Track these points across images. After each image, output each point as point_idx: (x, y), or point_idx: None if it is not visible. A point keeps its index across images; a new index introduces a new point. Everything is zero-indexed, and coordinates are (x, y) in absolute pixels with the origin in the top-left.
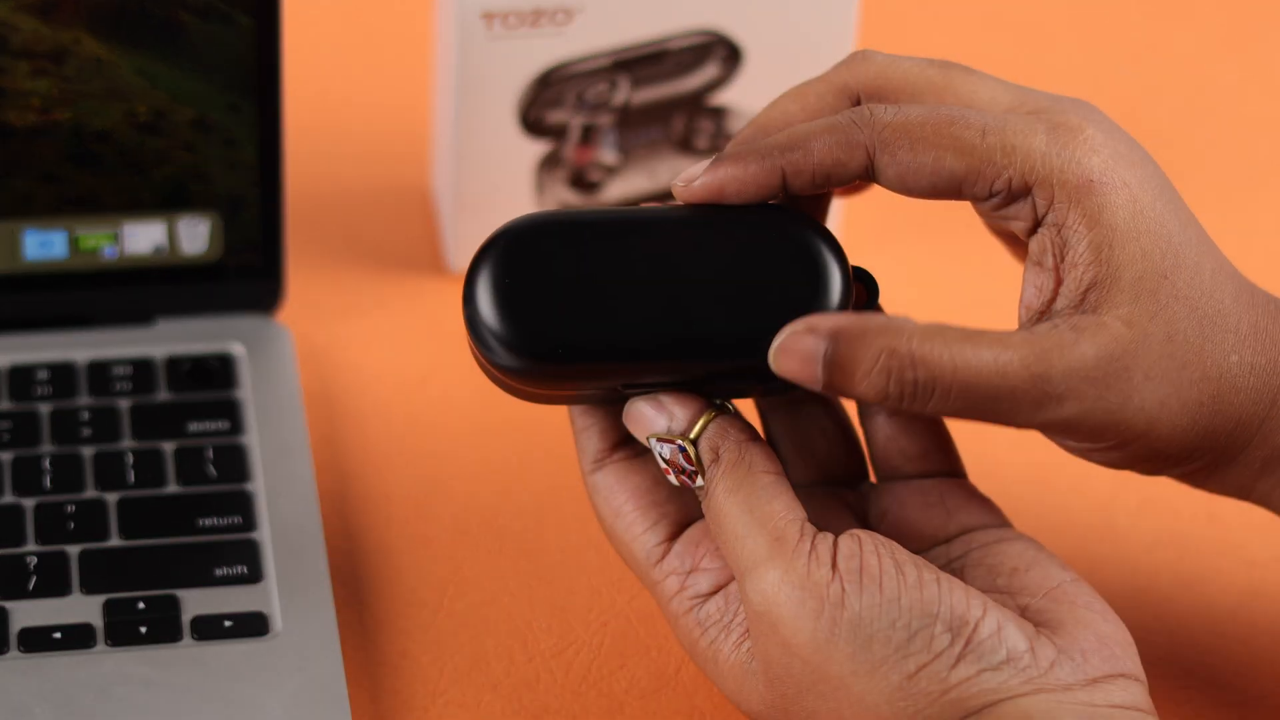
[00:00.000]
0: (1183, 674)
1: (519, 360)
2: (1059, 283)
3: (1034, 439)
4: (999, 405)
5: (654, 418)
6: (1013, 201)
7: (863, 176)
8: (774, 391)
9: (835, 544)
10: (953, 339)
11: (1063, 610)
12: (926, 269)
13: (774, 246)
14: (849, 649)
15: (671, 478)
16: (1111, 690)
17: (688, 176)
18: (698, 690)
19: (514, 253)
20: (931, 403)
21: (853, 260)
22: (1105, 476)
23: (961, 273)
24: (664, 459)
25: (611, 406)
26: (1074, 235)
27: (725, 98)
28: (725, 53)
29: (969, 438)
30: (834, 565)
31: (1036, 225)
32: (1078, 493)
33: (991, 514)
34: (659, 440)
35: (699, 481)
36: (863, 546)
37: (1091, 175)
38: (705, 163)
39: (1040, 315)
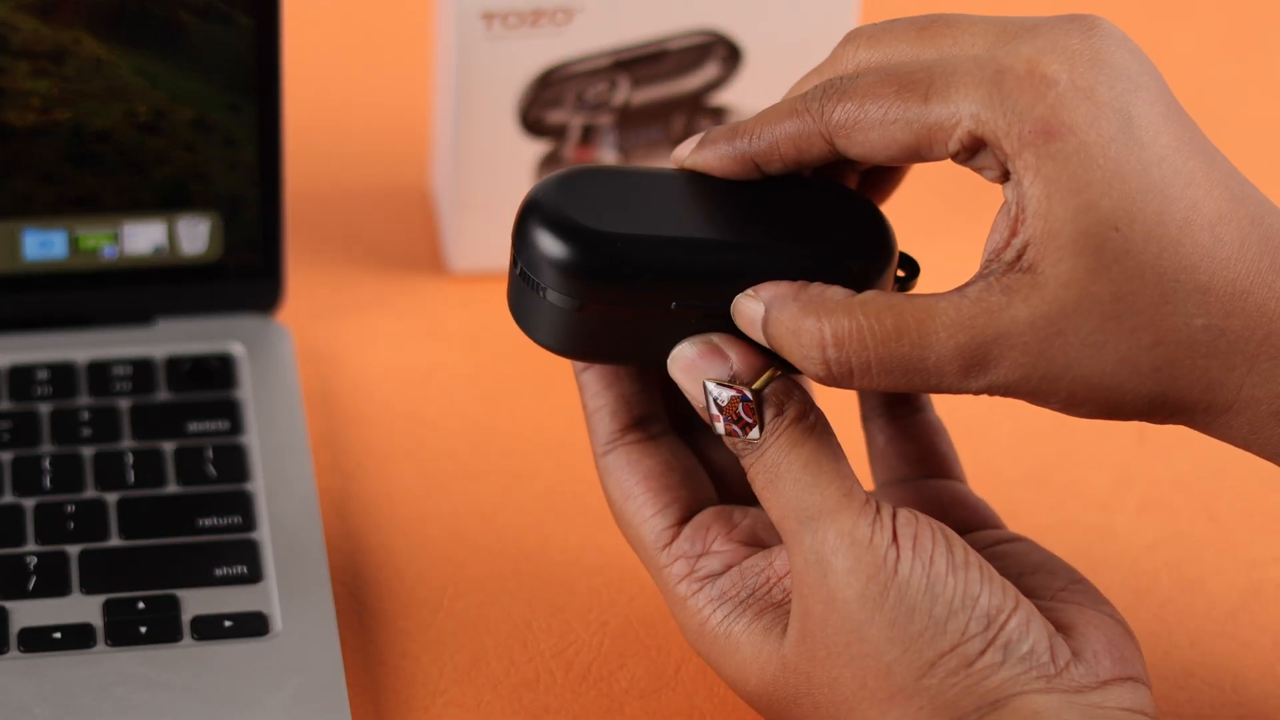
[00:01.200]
0: (1183, 674)
1: (580, 281)
2: (1013, 234)
3: (1035, 439)
4: (929, 380)
5: (712, 362)
6: (975, 154)
7: (830, 159)
8: None
9: (895, 514)
10: (874, 311)
11: (1072, 612)
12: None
13: (820, 200)
14: (891, 615)
15: (719, 426)
16: (1121, 693)
17: (677, 156)
18: (698, 690)
19: (565, 190)
20: (854, 381)
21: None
22: (1105, 476)
23: (955, 277)
24: (719, 406)
25: (646, 364)
26: (1021, 188)
27: (725, 98)
28: (725, 53)
29: (968, 437)
30: (894, 534)
31: (1007, 174)
32: (1077, 493)
33: (989, 515)
34: (717, 385)
35: (752, 434)
36: (918, 520)
37: (1035, 124)
38: (695, 140)
39: (988, 264)
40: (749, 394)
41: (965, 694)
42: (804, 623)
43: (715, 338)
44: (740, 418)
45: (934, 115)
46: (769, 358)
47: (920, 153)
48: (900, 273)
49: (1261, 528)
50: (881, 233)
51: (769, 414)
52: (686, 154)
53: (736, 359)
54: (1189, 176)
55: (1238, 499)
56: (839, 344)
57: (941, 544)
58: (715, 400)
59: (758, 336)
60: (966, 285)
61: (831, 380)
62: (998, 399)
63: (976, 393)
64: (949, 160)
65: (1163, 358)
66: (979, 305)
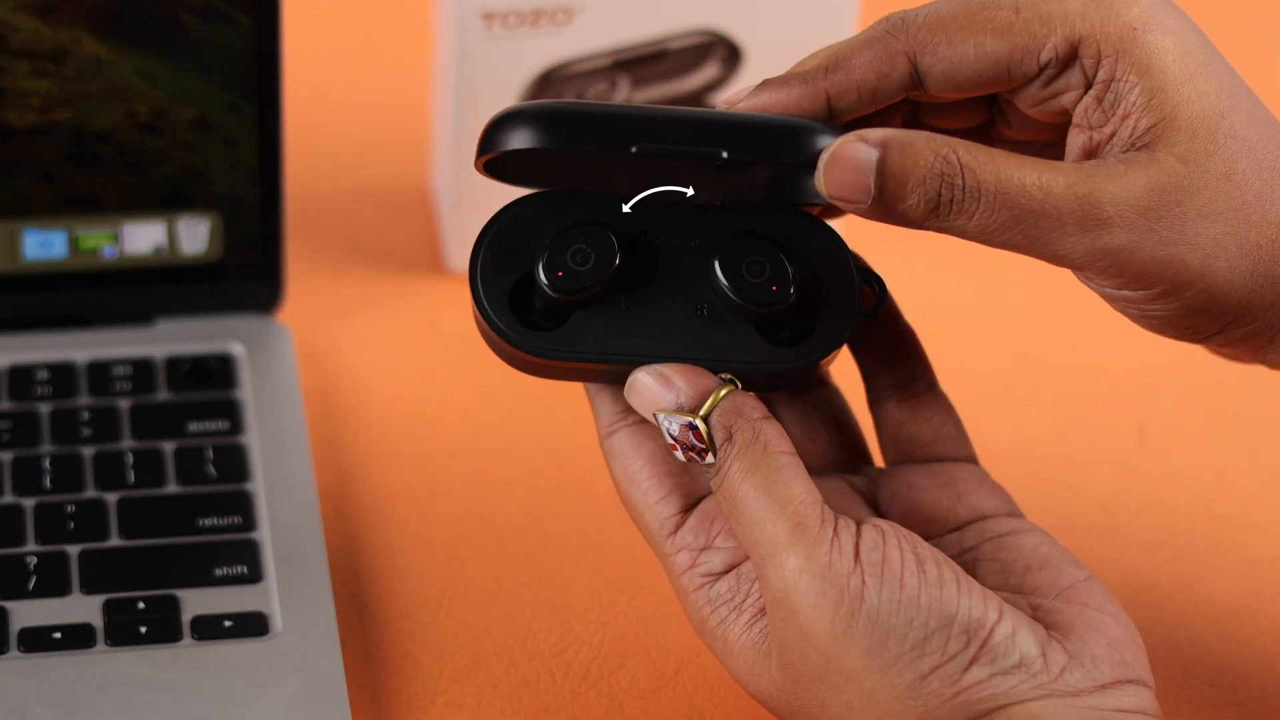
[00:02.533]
0: (1183, 674)
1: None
2: (1110, 136)
3: (1035, 438)
4: (1043, 223)
5: (660, 393)
6: (1063, 71)
7: (909, 86)
8: (785, 380)
9: (858, 532)
10: (997, 155)
11: (1074, 612)
12: (921, 274)
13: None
14: (865, 643)
15: (679, 454)
16: (1121, 696)
17: (729, 100)
18: (698, 690)
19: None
20: (977, 214)
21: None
22: (1105, 476)
23: (955, 279)
24: (672, 435)
25: (607, 380)
26: (1125, 85)
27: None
28: (725, 53)
29: (969, 435)
30: (856, 555)
31: (1088, 89)
32: (1078, 493)
33: (1003, 500)
34: (666, 416)
35: (709, 459)
36: (886, 539)
37: (1134, 24)
38: (749, 86)
39: (1096, 153)
40: (696, 422)
41: (956, 710)
42: (783, 653)
43: (663, 367)
44: (693, 445)
45: (1027, 23)
46: (716, 376)
47: (1010, 68)
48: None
49: (1262, 527)
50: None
51: (719, 439)
52: (741, 96)
53: (683, 386)
54: (1251, 91)
55: (1238, 498)
56: (968, 169)
57: (912, 562)
58: (668, 430)
59: (863, 183)
60: (1082, 160)
61: (932, 207)
62: (995, 397)
63: (1091, 257)
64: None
65: (1269, 236)
66: (1098, 168)
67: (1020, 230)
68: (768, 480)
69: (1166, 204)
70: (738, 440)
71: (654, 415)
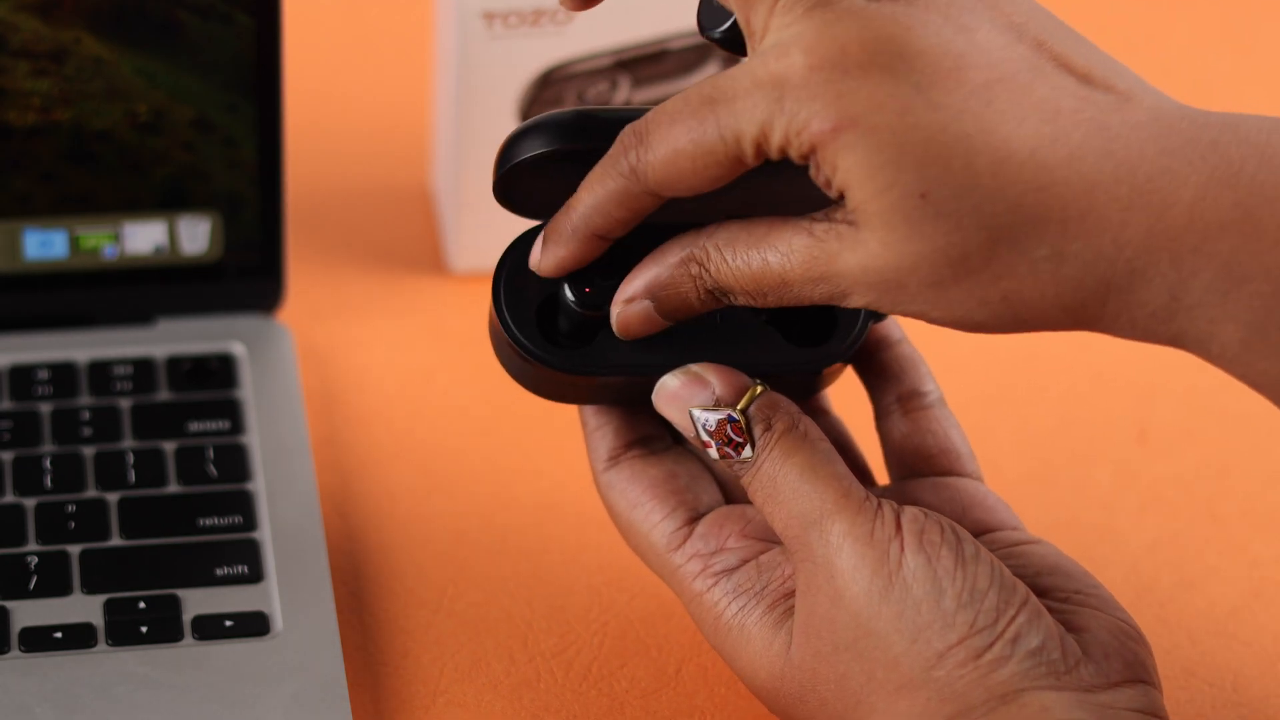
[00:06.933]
0: (1183, 674)
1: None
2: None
3: (1037, 438)
4: (800, 300)
5: (695, 391)
6: (783, 154)
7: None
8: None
9: (900, 510)
10: (741, 247)
11: (1085, 615)
12: None
13: None
14: (898, 608)
15: (712, 451)
16: (1132, 695)
17: (535, 265)
18: (698, 690)
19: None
20: (738, 301)
21: None
22: (1105, 476)
23: None
24: (707, 432)
25: (632, 398)
26: (822, 178)
27: None
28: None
29: (970, 437)
30: (898, 527)
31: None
32: (1078, 493)
33: (1007, 516)
34: (702, 412)
35: (745, 453)
36: (928, 517)
37: (820, 124)
38: (538, 244)
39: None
40: (735, 415)
41: (974, 686)
42: (808, 622)
43: (695, 367)
44: (730, 439)
45: (727, 135)
46: (750, 376)
47: (735, 170)
48: None
49: (1263, 527)
50: None
51: (758, 430)
52: (538, 260)
53: (718, 383)
54: (998, 115)
55: (1239, 498)
56: (715, 275)
57: (950, 539)
58: (704, 426)
59: (658, 326)
60: (817, 220)
61: (715, 304)
62: (996, 396)
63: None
64: None
65: (1009, 288)
66: (819, 247)
67: (785, 303)
68: (810, 459)
69: (884, 282)
70: (777, 428)
71: (689, 413)
